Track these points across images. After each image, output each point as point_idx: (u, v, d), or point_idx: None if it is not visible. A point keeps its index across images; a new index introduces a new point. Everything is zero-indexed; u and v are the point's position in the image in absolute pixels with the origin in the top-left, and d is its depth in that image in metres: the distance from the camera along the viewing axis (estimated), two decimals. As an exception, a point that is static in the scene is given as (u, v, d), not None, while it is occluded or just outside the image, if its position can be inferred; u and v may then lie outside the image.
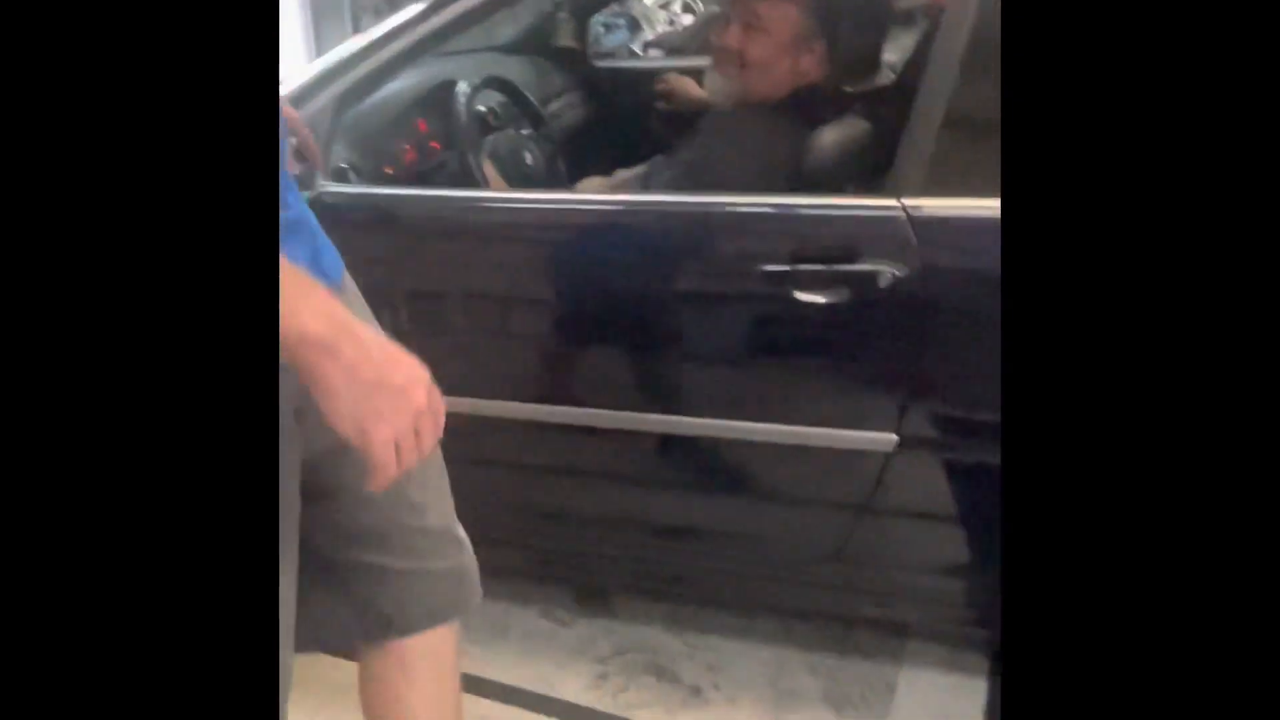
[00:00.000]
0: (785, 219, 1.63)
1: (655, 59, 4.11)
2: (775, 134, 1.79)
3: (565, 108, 2.80)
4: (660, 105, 2.58)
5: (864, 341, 1.60)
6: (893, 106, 1.78)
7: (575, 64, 2.92)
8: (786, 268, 1.55)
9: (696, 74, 2.55)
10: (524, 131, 2.38)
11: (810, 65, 1.85)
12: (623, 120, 2.75)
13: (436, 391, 0.89)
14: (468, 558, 1.33)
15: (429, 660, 1.31)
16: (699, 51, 3.33)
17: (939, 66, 1.52)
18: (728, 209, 1.65)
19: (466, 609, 1.34)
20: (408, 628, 1.28)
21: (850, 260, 1.53)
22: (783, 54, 1.83)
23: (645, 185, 2.02)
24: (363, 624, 1.27)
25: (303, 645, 1.16)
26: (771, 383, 1.68)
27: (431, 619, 1.30)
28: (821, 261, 1.55)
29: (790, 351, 1.65)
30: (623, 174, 2.20)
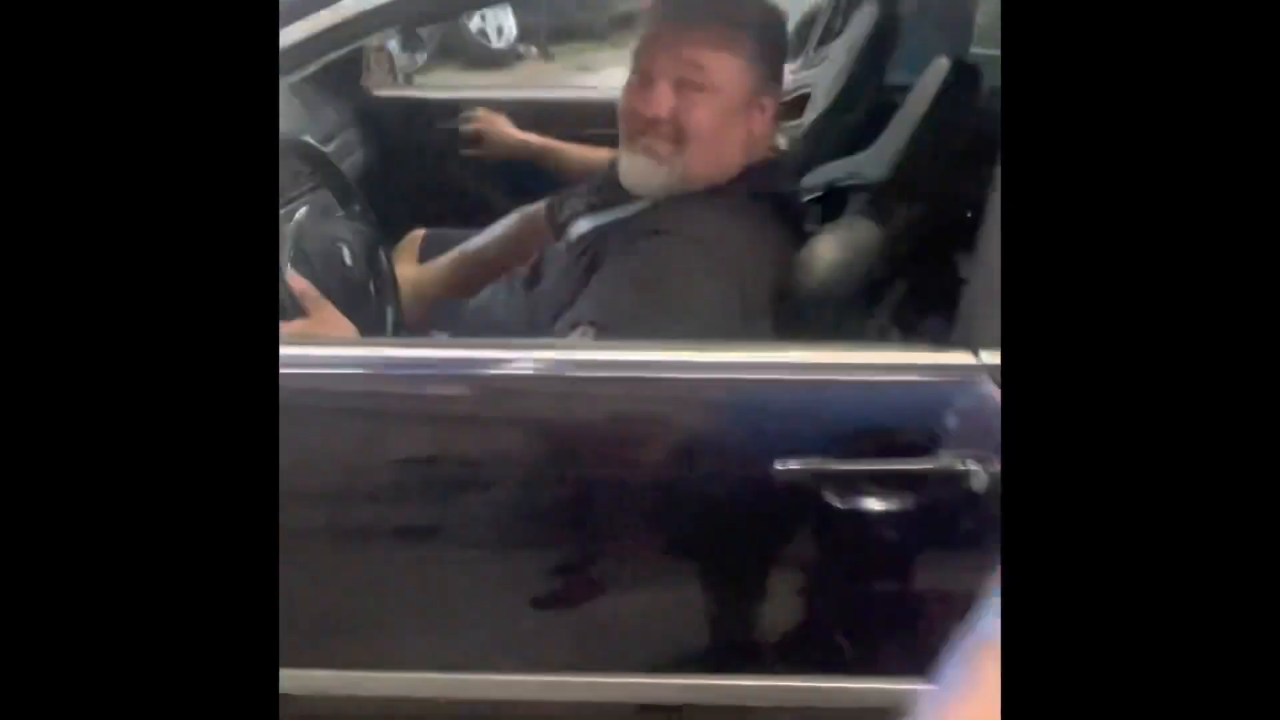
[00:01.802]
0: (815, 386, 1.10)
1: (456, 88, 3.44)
2: (755, 240, 1.24)
3: (341, 152, 2.08)
4: (468, 153, 1.98)
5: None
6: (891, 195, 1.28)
7: (345, 90, 2.17)
8: (823, 465, 1.02)
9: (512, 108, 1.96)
10: (336, 215, 1.71)
11: (762, 131, 1.32)
12: (414, 168, 2.09)
13: None
14: None
15: None
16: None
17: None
18: (725, 373, 1.09)
19: None
20: None
21: (923, 453, 1.01)
22: (734, 119, 1.29)
23: (533, 318, 1.39)
24: None
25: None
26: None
27: None
28: (879, 454, 1.02)
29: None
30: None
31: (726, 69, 1.26)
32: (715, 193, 1.28)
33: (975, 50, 1.74)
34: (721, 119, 1.27)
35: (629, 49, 1.35)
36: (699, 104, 1.26)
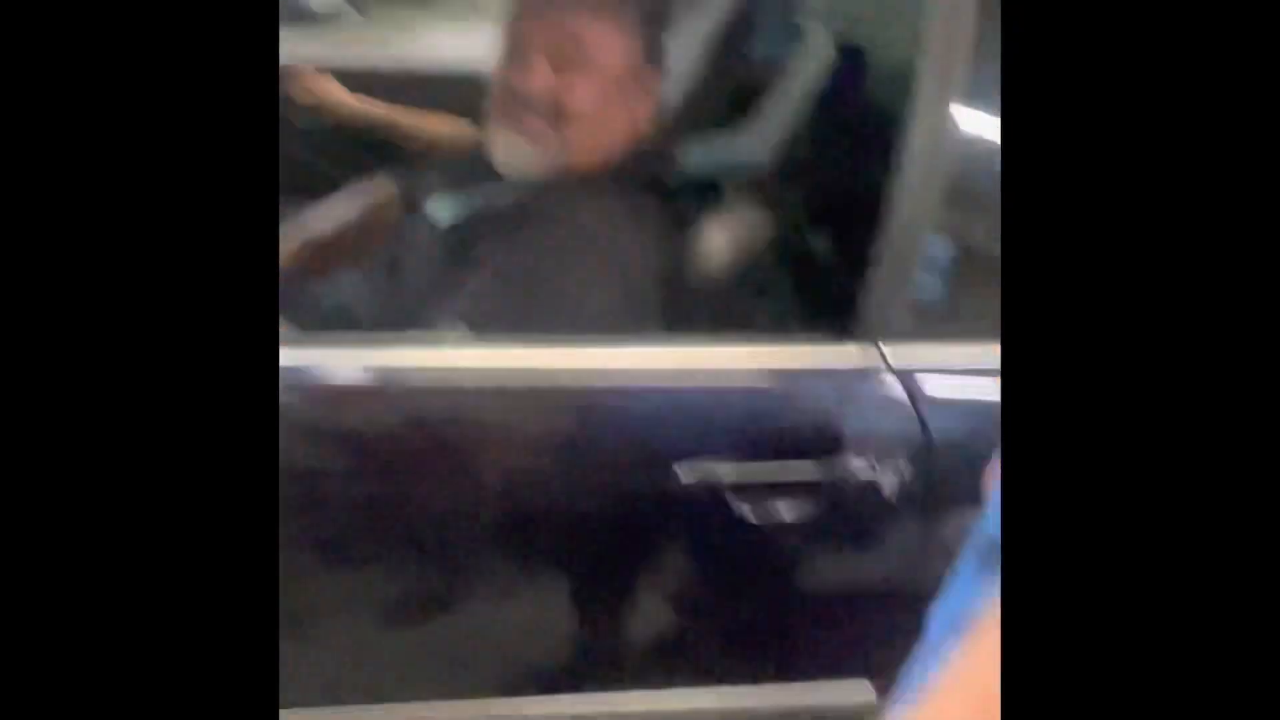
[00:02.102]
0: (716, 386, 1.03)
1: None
2: (642, 230, 1.17)
3: None
4: (303, 119, 1.75)
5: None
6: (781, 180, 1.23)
7: None
8: (725, 465, 0.97)
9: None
10: None
11: (645, 112, 1.25)
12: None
13: None
14: None
15: None
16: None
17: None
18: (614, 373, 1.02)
19: None
20: None
21: (826, 454, 0.97)
22: (616, 97, 1.20)
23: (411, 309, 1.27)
24: None
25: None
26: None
27: None
28: (780, 457, 0.97)
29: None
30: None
31: (608, 43, 1.18)
32: (597, 177, 1.20)
33: (801, 21, 1.70)
34: (603, 97, 1.18)
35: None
36: (579, 80, 1.17)
